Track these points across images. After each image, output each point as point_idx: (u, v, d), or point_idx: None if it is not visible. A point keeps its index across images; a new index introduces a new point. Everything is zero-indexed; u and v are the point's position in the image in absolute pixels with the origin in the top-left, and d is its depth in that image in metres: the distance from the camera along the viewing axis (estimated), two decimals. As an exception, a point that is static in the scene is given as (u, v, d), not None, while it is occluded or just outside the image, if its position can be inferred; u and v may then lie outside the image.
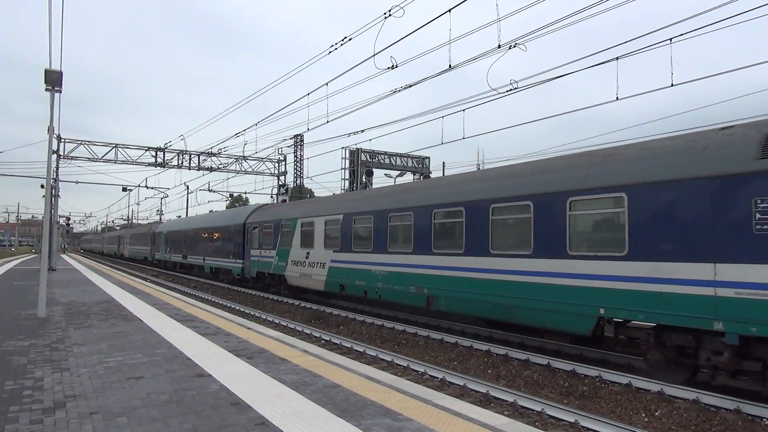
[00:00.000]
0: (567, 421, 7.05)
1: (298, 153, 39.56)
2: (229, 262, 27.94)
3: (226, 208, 62.59)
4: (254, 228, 24.73)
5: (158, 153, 33.95)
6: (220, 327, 10.40)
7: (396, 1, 13.90)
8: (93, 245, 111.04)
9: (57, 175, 31.15)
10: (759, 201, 7.57)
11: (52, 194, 28.47)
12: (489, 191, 12.12)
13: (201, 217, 38.95)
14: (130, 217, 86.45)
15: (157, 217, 73.56)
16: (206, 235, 32.23)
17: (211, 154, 35.25)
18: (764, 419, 7.13)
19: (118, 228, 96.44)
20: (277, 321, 16.15)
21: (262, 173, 37.95)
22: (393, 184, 30.77)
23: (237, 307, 19.57)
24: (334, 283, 17.69)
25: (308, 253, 19.31)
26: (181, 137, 44.21)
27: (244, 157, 36.17)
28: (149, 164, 34.02)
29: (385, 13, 14.44)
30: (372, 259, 15.66)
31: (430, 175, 36.77)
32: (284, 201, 38.21)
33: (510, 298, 11.29)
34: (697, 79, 12.47)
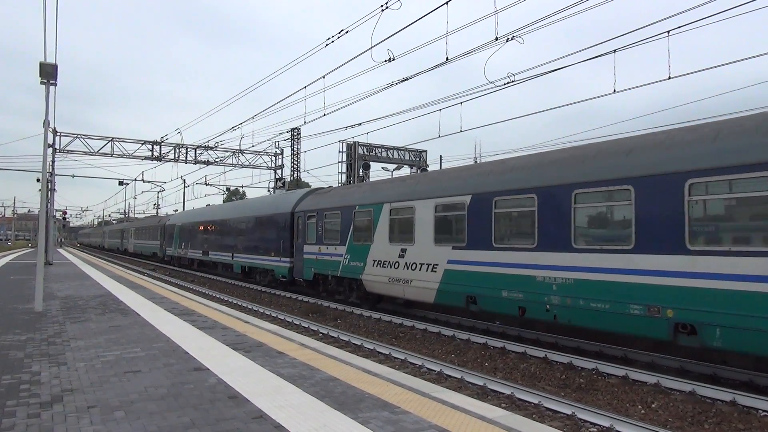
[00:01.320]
0: (564, 414, 7.08)
1: (295, 146, 39.46)
2: (269, 260, 22.65)
3: (223, 202, 61.51)
4: (309, 217, 19.49)
5: (155, 147, 33.82)
6: (217, 321, 10.40)
7: (393, -7, 13.81)
8: (92, 239, 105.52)
9: (53, 169, 31.01)
10: None
11: (48, 188, 28.34)
12: None
13: (228, 206, 33.17)
14: (126, 211, 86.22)
15: (154, 211, 72.61)
16: (236, 227, 27.05)
17: (207, 148, 35.14)
18: (760, 411, 7.17)
19: (115, 222, 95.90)
20: (274, 314, 16.16)
21: (258, 167, 37.89)
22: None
23: (234, 301, 19.57)
24: (453, 293, 12.66)
25: (403, 250, 14.28)
26: (178, 131, 44.06)
27: (240, 150, 36.08)
28: (146, 158, 33.90)
29: (381, 6, 14.36)
30: (540, 261, 10.69)
31: (427, 169, 36.74)
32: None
33: None
34: (694, 72, 12.45)
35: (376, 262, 15.55)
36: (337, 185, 26.95)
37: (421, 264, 13.67)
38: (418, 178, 15.45)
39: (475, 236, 12.13)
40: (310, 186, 40.23)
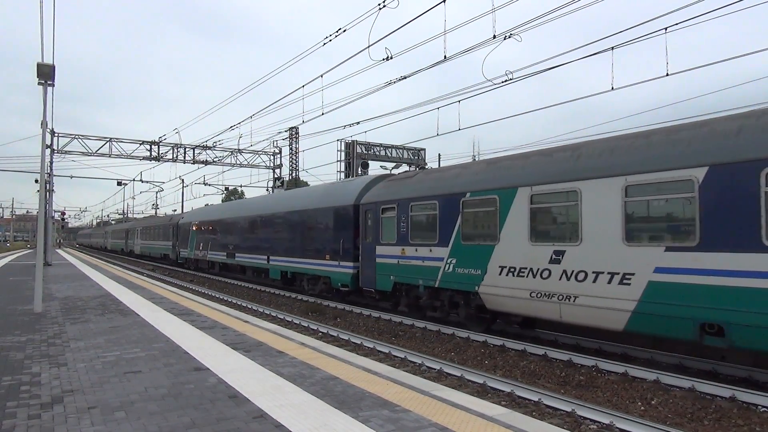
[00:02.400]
0: (564, 411, 7.09)
1: (294, 146, 39.43)
2: (322, 265, 18.37)
3: (222, 201, 60.82)
4: (384, 210, 15.26)
5: (153, 147, 33.79)
6: (217, 320, 10.40)
7: (390, -9, 13.82)
8: (93, 240, 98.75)
9: (51, 169, 30.97)
10: None
11: (47, 189, 28.32)
12: None
13: (262, 200, 26.82)
14: (125, 211, 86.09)
15: (153, 211, 72.21)
16: (274, 224, 22.61)
17: (206, 148, 35.12)
18: (759, 407, 7.19)
19: (113, 222, 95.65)
20: (274, 314, 16.16)
21: (257, 166, 37.87)
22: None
23: (234, 301, 19.57)
24: (670, 318, 8.50)
25: (559, 252, 10.22)
26: (176, 130, 44.07)
27: (239, 150, 36.07)
28: (144, 158, 33.88)
29: (379, 4, 14.35)
30: None
31: (426, 167, 36.71)
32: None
33: None
34: (691, 69, 12.47)
35: (505, 270, 11.28)
36: (404, 170, 19.80)
37: (598, 273, 9.53)
38: (581, 149, 10.44)
39: (717, 231, 8.02)
40: (309, 185, 39.96)
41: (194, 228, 33.36)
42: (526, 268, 10.88)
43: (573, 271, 9.93)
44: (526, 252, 10.88)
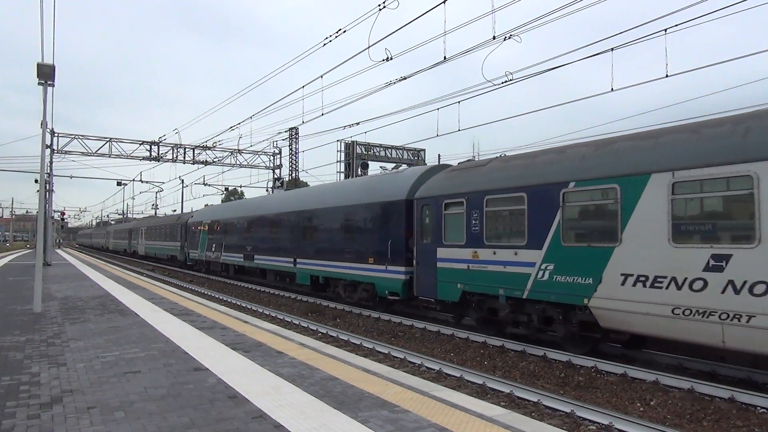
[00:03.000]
0: (563, 411, 7.10)
1: (293, 146, 39.45)
2: (365, 269, 16.04)
3: (222, 201, 60.22)
4: (448, 206, 12.79)
5: (153, 147, 33.81)
6: (216, 321, 10.40)
7: (390, -8, 13.84)
8: (95, 240, 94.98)
9: (51, 169, 30.97)
10: None
11: (46, 189, 28.31)
12: None
13: (288, 196, 23.76)
14: (125, 211, 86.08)
15: (153, 211, 71.92)
16: (303, 222, 19.94)
17: (206, 148, 35.15)
18: (758, 408, 7.20)
19: (113, 222, 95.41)
20: (273, 314, 16.16)
21: (257, 167, 37.90)
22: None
23: (233, 301, 19.57)
24: None
25: (721, 257, 7.98)
26: (176, 131, 44.11)
27: (239, 150, 36.09)
28: (144, 158, 33.91)
29: (379, 5, 14.37)
30: None
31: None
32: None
33: None
34: (691, 70, 12.48)
35: (631, 279, 8.99)
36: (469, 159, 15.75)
37: None
38: (748, 122, 8.13)
39: None
40: (309, 186, 39.82)
41: (206, 227, 30.54)
42: (665, 277, 8.48)
43: (745, 282, 7.55)
44: (665, 256, 8.50)
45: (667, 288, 8.42)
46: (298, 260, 20.05)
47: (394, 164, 36.22)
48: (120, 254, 63.66)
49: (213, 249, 29.42)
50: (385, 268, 15.13)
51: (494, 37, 13.33)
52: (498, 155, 12.85)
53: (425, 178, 14.52)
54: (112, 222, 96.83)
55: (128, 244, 58.01)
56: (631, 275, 8.95)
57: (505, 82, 14.57)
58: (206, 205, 38.63)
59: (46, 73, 11.71)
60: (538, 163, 11.00)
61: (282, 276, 22.18)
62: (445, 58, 14.86)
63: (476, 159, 15.34)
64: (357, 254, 16.46)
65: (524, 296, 10.78)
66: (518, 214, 11.02)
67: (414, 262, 13.95)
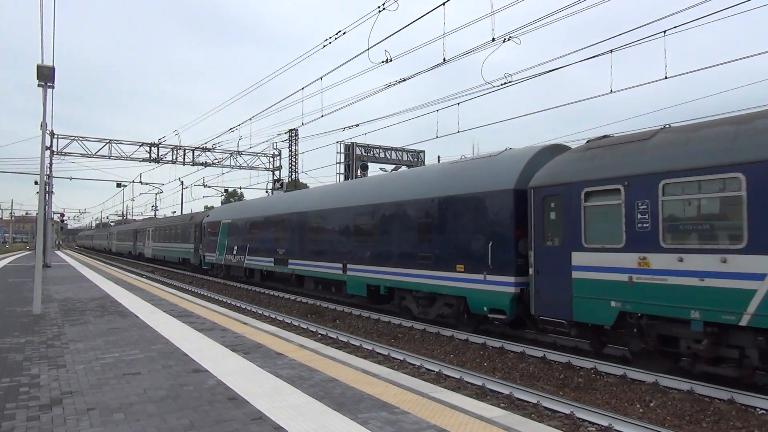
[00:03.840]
0: (563, 413, 7.10)
1: (293, 148, 39.48)
2: (451, 279, 12.81)
3: (221, 203, 59.53)
4: (588, 195, 9.83)
5: (152, 148, 33.83)
6: (216, 322, 10.40)
7: (390, -6, 13.86)
8: (96, 242, 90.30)
9: (50, 171, 30.98)
10: None
11: (46, 191, 28.33)
12: None
13: (330, 191, 20.26)
14: (125, 212, 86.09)
15: (152, 213, 71.60)
16: (356, 221, 16.70)
17: (205, 149, 35.18)
18: (758, 409, 7.20)
19: (113, 224, 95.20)
20: (273, 316, 16.16)
21: (256, 168, 37.93)
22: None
23: (233, 303, 19.56)
24: None
25: None
26: (175, 132, 44.13)
27: (238, 152, 36.12)
28: (143, 160, 33.93)
29: (379, 7, 14.39)
30: None
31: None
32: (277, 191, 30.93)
33: None
34: (690, 72, 12.50)
35: None
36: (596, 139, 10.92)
37: None
38: None
39: None
40: (308, 187, 39.68)
41: (226, 227, 27.16)
42: None
43: None
44: None
45: None
46: (349, 266, 16.71)
47: (394, 166, 36.30)
48: (124, 257, 59.64)
49: (235, 252, 25.87)
50: (483, 277, 11.85)
51: (494, 39, 13.35)
52: (662, 126, 9.60)
53: (540, 162, 11.42)
54: (113, 223, 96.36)
55: (133, 246, 54.31)
56: None
57: (505, 83, 14.59)
58: (227, 201, 36.84)
59: (45, 75, 11.72)
60: (751, 131, 7.88)
61: (325, 285, 18.62)
62: (444, 59, 14.88)
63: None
64: (438, 260, 13.19)
65: (741, 323, 7.62)
66: (728, 204, 7.94)
67: (530, 270, 10.71)
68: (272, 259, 21.93)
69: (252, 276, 24.94)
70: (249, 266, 24.51)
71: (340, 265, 17.09)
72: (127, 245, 58.05)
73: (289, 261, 20.46)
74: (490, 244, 11.75)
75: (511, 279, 11.22)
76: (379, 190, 16.20)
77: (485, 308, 11.87)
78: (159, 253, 42.87)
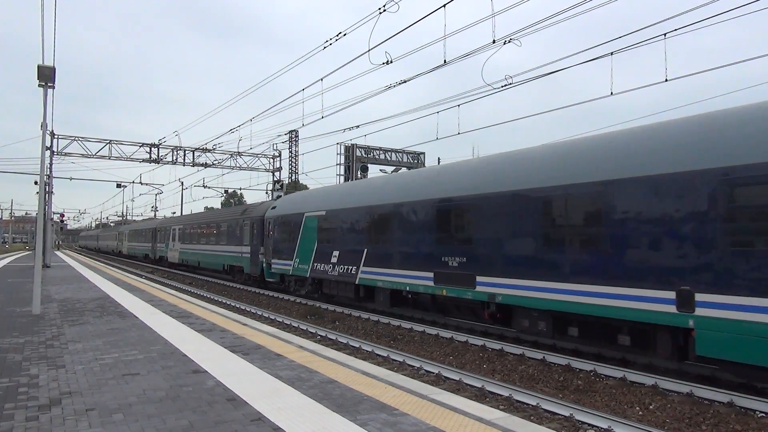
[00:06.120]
0: (562, 415, 7.10)
1: (293, 149, 39.52)
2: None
3: (222, 205, 58.60)
4: None
5: (152, 149, 33.84)
6: (215, 323, 10.40)
7: (391, -4, 13.87)
8: (102, 242, 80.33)
9: (50, 171, 30.99)
10: None
11: (46, 191, 28.33)
12: None
13: (527, 158, 11.80)
14: (125, 213, 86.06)
15: (151, 214, 70.78)
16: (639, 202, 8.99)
17: (205, 150, 35.19)
18: (757, 412, 7.20)
19: (113, 224, 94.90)
20: (272, 317, 16.15)
21: (257, 169, 37.93)
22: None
23: (232, 304, 19.55)
24: None
25: None
26: (176, 133, 44.17)
27: (239, 153, 36.14)
28: (143, 160, 33.94)
29: (379, 8, 14.40)
30: None
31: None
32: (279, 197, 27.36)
33: None
34: (689, 75, 12.50)
35: None
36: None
37: None
38: None
39: None
40: (308, 188, 39.67)
41: (316, 222, 18.89)
42: None
43: None
44: None
45: None
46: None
47: (394, 167, 36.32)
48: (138, 261, 50.50)
49: (336, 260, 17.51)
50: None
51: (494, 41, 13.36)
52: None
53: None
54: (112, 224, 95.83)
55: (151, 248, 45.30)
56: None
57: (505, 85, 14.60)
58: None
59: (46, 75, 11.72)
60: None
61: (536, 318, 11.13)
62: (445, 61, 14.89)
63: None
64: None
65: None
66: None
67: None
68: (431, 275, 13.33)
69: (369, 297, 16.63)
70: (369, 283, 15.91)
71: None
72: (143, 247, 49.02)
73: (481, 278, 11.95)
74: None
75: None
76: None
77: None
78: (190, 257, 34.14)
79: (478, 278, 12.07)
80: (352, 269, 16.71)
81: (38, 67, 11.72)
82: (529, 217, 11.02)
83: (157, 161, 34.16)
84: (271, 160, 38.04)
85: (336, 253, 17.62)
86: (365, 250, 16.11)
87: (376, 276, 15.60)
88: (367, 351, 11.25)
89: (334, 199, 18.57)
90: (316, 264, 18.67)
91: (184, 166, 35.34)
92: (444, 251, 13.10)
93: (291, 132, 38.63)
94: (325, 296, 19.10)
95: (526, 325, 11.42)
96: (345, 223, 17.27)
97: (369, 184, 17.99)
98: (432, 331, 13.07)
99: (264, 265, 23.09)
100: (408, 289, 14.29)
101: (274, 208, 22.86)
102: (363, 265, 16.18)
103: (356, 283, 16.50)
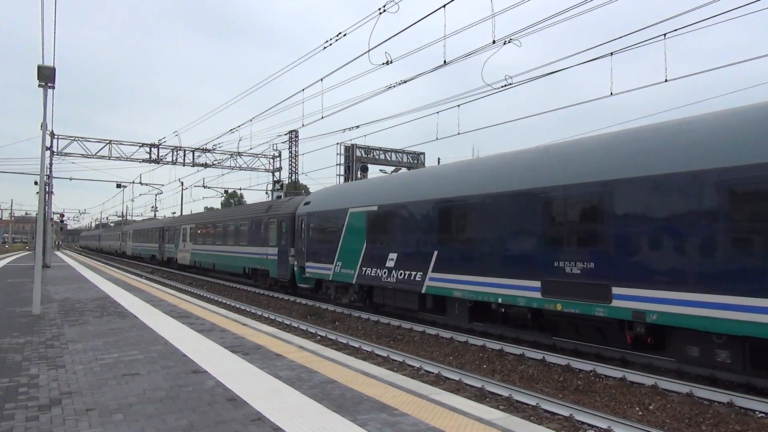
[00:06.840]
0: (562, 415, 7.10)
1: (293, 149, 39.52)
2: None
3: (221, 205, 58.18)
4: None
5: (152, 149, 33.85)
6: (215, 323, 10.40)
7: (391, -4, 13.87)
8: (105, 243, 76.07)
9: (50, 171, 30.99)
10: None
11: (46, 191, 28.34)
12: None
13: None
14: (124, 213, 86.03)
15: (152, 214, 70.66)
16: None
17: (205, 150, 35.21)
18: (757, 412, 7.20)
19: (113, 224, 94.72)
20: (272, 317, 16.15)
21: (257, 169, 37.94)
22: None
23: (232, 304, 19.55)
24: None
25: None
26: (176, 133, 44.19)
27: (238, 153, 36.15)
28: (143, 160, 33.95)
29: (379, 9, 14.41)
30: None
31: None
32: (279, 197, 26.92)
33: None
34: (690, 75, 12.51)
35: None
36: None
37: None
38: None
39: None
40: (308, 189, 39.65)
41: (364, 219, 16.07)
42: None
43: None
44: None
45: None
46: None
47: (394, 167, 36.33)
48: (146, 262, 46.95)
49: (395, 264, 14.64)
50: None
51: (494, 42, 13.36)
52: None
53: None
54: (112, 224, 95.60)
55: (159, 248, 42.02)
56: None
57: (505, 85, 14.61)
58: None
59: (46, 75, 11.72)
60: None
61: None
62: (445, 62, 14.90)
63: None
64: None
65: None
66: None
67: None
68: (537, 284, 10.59)
69: (439, 310, 13.73)
70: (441, 292, 13.12)
71: None
72: (148, 248, 46.00)
73: (620, 289, 9.19)
74: None
75: None
76: None
77: None
78: (204, 259, 30.85)
79: (615, 290, 9.18)
80: (416, 275, 13.79)
81: (38, 67, 11.72)
82: (709, 210, 7.94)
83: (157, 161, 34.17)
84: (271, 160, 38.06)
85: (393, 255, 14.71)
86: (435, 252, 13.24)
87: (452, 284, 12.65)
88: (367, 351, 11.26)
89: (390, 192, 15.49)
90: (364, 268, 15.85)
91: (184, 166, 35.39)
92: (558, 254, 10.19)
93: (291, 132, 38.65)
94: (376, 306, 16.41)
95: (694, 354, 8.47)
96: (406, 219, 14.35)
97: (438, 173, 14.64)
98: (432, 331, 13.07)
99: (295, 268, 20.17)
100: (500, 301, 11.34)
101: (307, 203, 19.84)
102: (432, 270, 13.30)
103: (422, 291, 13.58)
